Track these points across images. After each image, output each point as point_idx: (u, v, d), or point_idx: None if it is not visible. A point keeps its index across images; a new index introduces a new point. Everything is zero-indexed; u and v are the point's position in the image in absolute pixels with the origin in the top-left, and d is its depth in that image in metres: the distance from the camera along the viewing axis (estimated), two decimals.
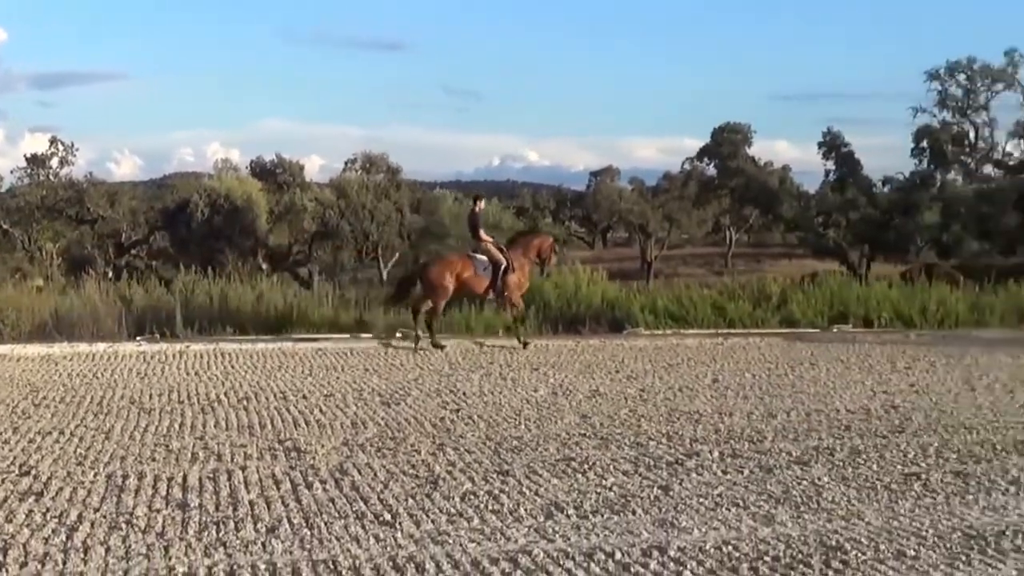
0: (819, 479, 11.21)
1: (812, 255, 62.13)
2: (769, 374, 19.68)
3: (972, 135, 54.71)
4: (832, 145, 60.06)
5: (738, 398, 16.80)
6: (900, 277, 35.67)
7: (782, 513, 9.83)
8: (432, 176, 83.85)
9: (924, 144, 56.03)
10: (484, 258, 24.18)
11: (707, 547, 8.76)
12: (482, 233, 24.72)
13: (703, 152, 65.78)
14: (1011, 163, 55.05)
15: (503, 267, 24.12)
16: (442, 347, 23.39)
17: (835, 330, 28.11)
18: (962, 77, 53.58)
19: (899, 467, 11.87)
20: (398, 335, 25.09)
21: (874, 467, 11.85)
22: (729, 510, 9.93)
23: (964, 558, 8.55)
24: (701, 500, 10.28)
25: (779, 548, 8.74)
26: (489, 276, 24.09)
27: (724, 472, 11.54)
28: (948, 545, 8.89)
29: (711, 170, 66.18)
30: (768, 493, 10.58)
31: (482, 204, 27.38)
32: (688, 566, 8.28)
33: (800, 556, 8.54)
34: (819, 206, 60.25)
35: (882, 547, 8.79)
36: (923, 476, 11.41)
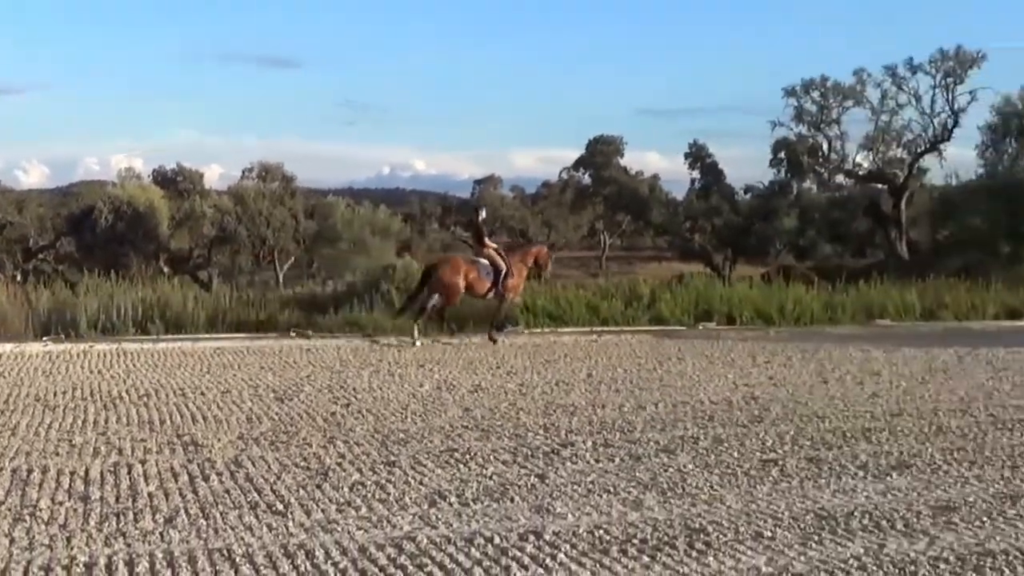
0: (684, 466, 11.27)
1: (680, 258, 62.60)
2: (639, 369, 19.77)
3: (825, 147, 55.35)
4: (698, 156, 60.66)
5: (610, 391, 16.84)
6: (760, 278, 36.06)
7: (650, 498, 9.87)
8: (326, 184, 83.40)
9: (782, 155, 56.64)
10: (487, 262, 25.08)
11: (580, 531, 8.77)
12: (486, 240, 25.82)
13: (579, 162, 66.05)
14: (860, 173, 55.78)
15: (503, 272, 25.01)
16: (453, 331, 24.94)
17: (700, 327, 28.31)
18: (816, 94, 54.21)
19: (758, 454, 11.97)
20: (292, 334, 25.01)
21: (735, 454, 11.94)
22: (601, 496, 9.95)
23: (816, 538, 8.63)
24: (575, 487, 10.29)
25: (647, 531, 8.77)
26: (491, 279, 24.92)
27: (596, 461, 11.56)
28: (802, 526, 8.97)
29: (586, 179, 66.47)
30: (637, 480, 10.62)
31: (483, 214, 28.13)
32: (562, 549, 8.28)
33: (666, 538, 8.58)
34: (686, 212, 60.72)
35: (742, 529, 8.86)
36: (780, 462, 11.51)
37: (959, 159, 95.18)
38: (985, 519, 9.26)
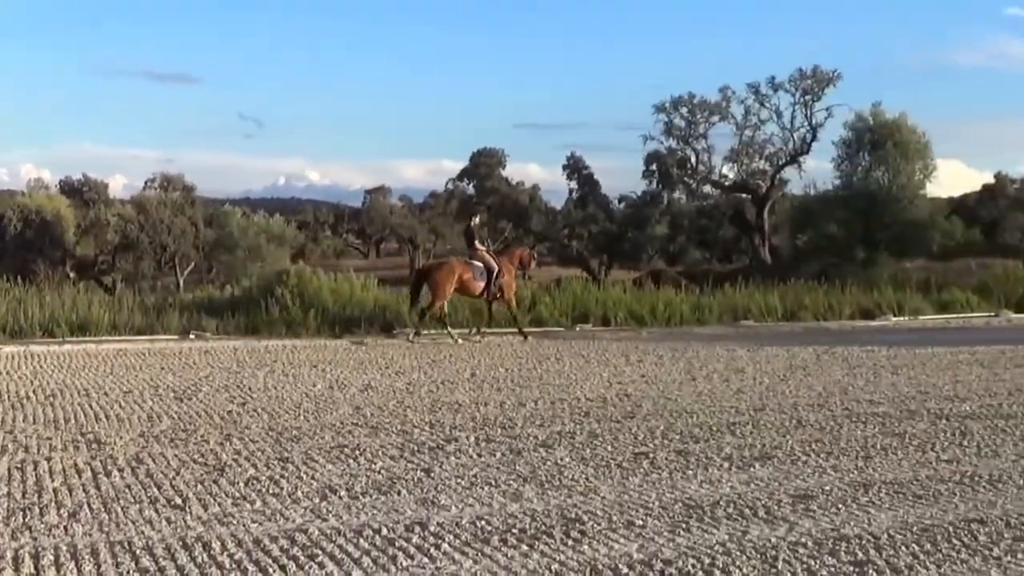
0: (561, 459, 11.29)
1: (559, 263, 62.65)
2: (520, 368, 19.80)
3: (693, 159, 55.69)
4: (575, 168, 60.80)
5: (493, 390, 16.85)
6: (633, 282, 36.22)
7: (529, 490, 9.87)
8: (224, 194, 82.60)
9: (653, 167, 56.90)
10: (480, 264, 25.92)
11: (463, 522, 8.75)
12: (477, 243, 26.86)
13: (463, 173, 65.94)
14: (726, 184, 56.24)
15: (496, 272, 25.85)
16: (457, 341, 24.98)
17: (578, 329, 28.43)
18: (684, 110, 54.54)
19: (630, 448, 12.02)
20: (191, 336, 24.80)
21: (609, 448, 11.98)
22: (483, 489, 9.94)
23: (684, 525, 8.68)
24: (458, 480, 10.28)
25: (525, 521, 8.77)
26: (484, 279, 25.78)
27: (479, 455, 11.55)
28: (671, 515, 9.00)
29: (470, 189, 66.37)
30: (517, 473, 10.62)
31: (476, 220, 29.28)
32: (446, 539, 8.26)
33: (543, 528, 8.58)
34: (564, 221, 60.82)
35: (615, 518, 8.88)
36: (651, 455, 11.57)
37: (817, 171, 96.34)
38: (840, 506, 9.36)
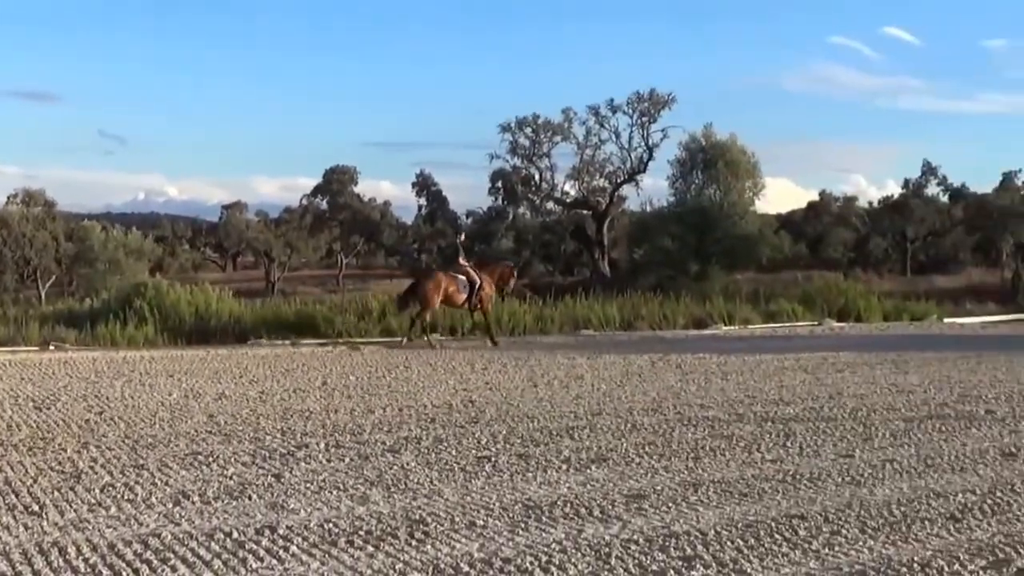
0: (407, 464, 11.25)
1: (409, 276, 62.57)
2: (370, 377, 19.69)
3: (537, 177, 56.01)
4: (424, 185, 60.95)
5: (343, 397, 16.73)
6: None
7: (376, 494, 9.83)
8: (85, 209, 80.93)
9: (499, 184, 57.25)
10: (463, 277, 27.07)
11: (311, 525, 8.69)
12: (461, 259, 27.80)
13: (317, 190, 65.71)
14: (568, 200, 56.64)
15: (477, 285, 27.09)
16: (433, 346, 26.21)
17: (425, 339, 28.30)
18: (528, 130, 54.82)
19: (474, 452, 12.02)
20: (51, 347, 24.29)
21: (453, 452, 11.97)
22: (331, 493, 9.88)
23: (523, 525, 8.71)
24: (308, 485, 10.20)
25: (372, 523, 8.73)
26: (466, 291, 26.97)
27: (328, 461, 11.47)
28: (511, 515, 9.03)
29: (324, 205, 66.10)
30: (365, 477, 10.57)
31: (462, 237, 30.81)
32: (294, 542, 8.20)
33: (389, 529, 8.55)
34: (414, 235, 60.86)
35: (457, 519, 8.88)
36: (493, 459, 11.59)
37: (653, 188, 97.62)
38: (671, 504, 9.46)
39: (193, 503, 9.45)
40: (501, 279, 28.67)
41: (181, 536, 8.35)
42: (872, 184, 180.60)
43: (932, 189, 67.09)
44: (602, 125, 54.93)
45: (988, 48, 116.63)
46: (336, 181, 63.26)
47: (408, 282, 28.85)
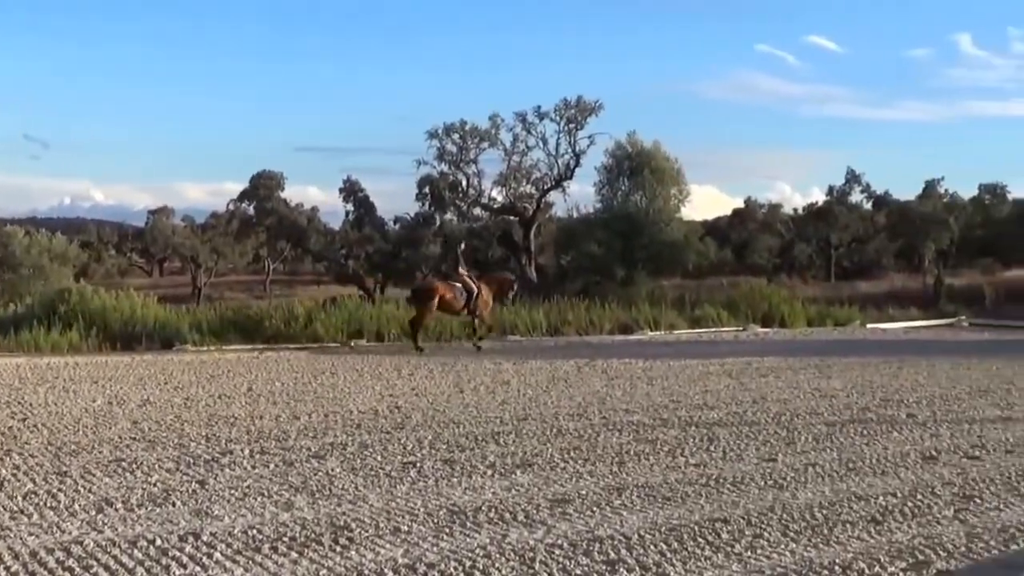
0: (332, 470, 11.23)
1: (336, 281, 62.34)
2: (296, 382, 19.60)
3: (464, 183, 55.88)
4: (351, 190, 60.55)
5: (268, 403, 16.65)
6: (407, 300, 36.14)
7: (300, 500, 9.81)
8: (9, 213, 79.77)
9: (426, 190, 57.06)
10: (460, 285, 27.84)
11: (235, 531, 8.66)
12: (460, 268, 28.62)
13: (243, 195, 65.13)
14: (495, 206, 56.61)
15: (475, 293, 27.83)
16: (421, 350, 26.70)
17: (352, 344, 28.28)
18: (456, 136, 54.70)
19: (399, 457, 12.02)
20: None
21: (378, 458, 11.96)
22: (256, 499, 9.84)
23: (448, 530, 8.72)
24: (232, 491, 10.15)
25: (296, 529, 8.72)
26: (463, 299, 27.71)
27: (253, 467, 11.42)
28: (435, 520, 9.04)
29: (250, 210, 65.62)
30: (289, 483, 10.53)
31: (463, 247, 31.47)
32: (218, 548, 8.17)
33: (313, 535, 8.54)
34: (342, 241, 60.52)
35: (382, 525, 8.88)
36: (418, 464, 11.59)
37: (580, 194, 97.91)
38: (595, 509, 9.52)
39: (116, 510, 9.39)
40: (500, 288, 29.69)
41: (104, 543, 8.30)
42: (797, 191, 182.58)
43: (856, 196, 67.68)
44: (529, 132, 54.93)
45: (911, 57, 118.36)
46: (263, 186, 62.69)
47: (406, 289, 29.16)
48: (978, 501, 10.09)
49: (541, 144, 55.01)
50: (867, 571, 7.79)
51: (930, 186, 66.11)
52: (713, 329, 35.09)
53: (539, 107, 54.60)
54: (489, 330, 29.55)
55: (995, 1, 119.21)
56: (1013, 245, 62.88)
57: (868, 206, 68.13)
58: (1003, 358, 25.44)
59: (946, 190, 65.44)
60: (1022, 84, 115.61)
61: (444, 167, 55.73)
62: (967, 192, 67.57)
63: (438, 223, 59.48)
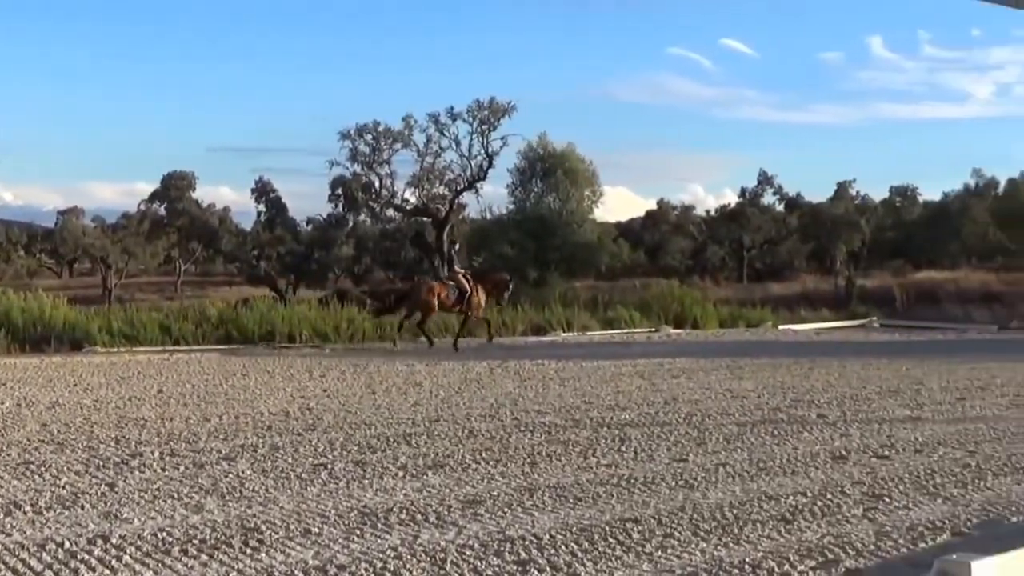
0: (243, 472, 11.18)
1: (248, 282, 61.88)
2: (207, 384, 19.48)
3: (377, 184, 55.65)
4: (263, 191, 60.19)
5: (179, 405, 16.54)
6: (319, 301, 35.99)
7: (210, 502, 9.75)
8: None
9: (339, 191, 56.82)
10: (454, 284, 29.16)
11: (145, 534, 8.59)
12: (455, 267, 30.34)
13: (154, 195, 64.54)
14: (408, 208, 56.50)
15: (468, 293, 29.01)
16: (432, 343, 28.82)
17: (264, 346, 28.15)
18: (369, 137, 54.47)
19: (310, 459, 11.99)
20: None
21: (289, 460, 11.92)
22: (165, 502, 9.77)
23: (359, 532, 8.71)
24: (142, 494, 10.08)
25: (206, 532, 8.67)
26: (456, 296, 28.98)
27: (163, 469, 11.34)
28: (346, 522, 9.03)
29: (162, 211, 65.01)
30: (199, 486, 10.47)
31: (456, 247, 33.40)
32: (127, 551, 8.10)
33: (223, 538, 8.49)
34: (253, 242, 60.14)
35: (292, 527, 8.85)
36: (329, 466, 11.57)
37: (493, 196, 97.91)
38: (507, 509, 9.55)
39: (25, 513, 9.29)
40: (496, 287, 30.55)
41: (12, 547, 8.22)
42: (709, 193, 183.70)
43: (768, 198, 68.34)
44: (442, 133, 54.85)
45: (823, 60, 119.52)
46: (174, 187, 62.15)
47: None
48: (887, 500, 10.20)
49: (454, 145, 54.98)
50: (776, 570, 7.86)
51: (842, 188, 66.98)
52: (626, 330, 35.32)
53: (452, 108, 54.55)
54: (490, 327, 30.85)
55: (906, 4, 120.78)
56: (923, 247, 63.98)
57: (780, 208, 68.81)
58: (913, 359, 25.83)
59: (858, 192, 66.42)
60: (932, 87, 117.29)
61: (357, 168, 55.49)
62: (878, 194, 68.67)
63: (351, 224, 59.32)
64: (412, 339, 30.21)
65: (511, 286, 31.26)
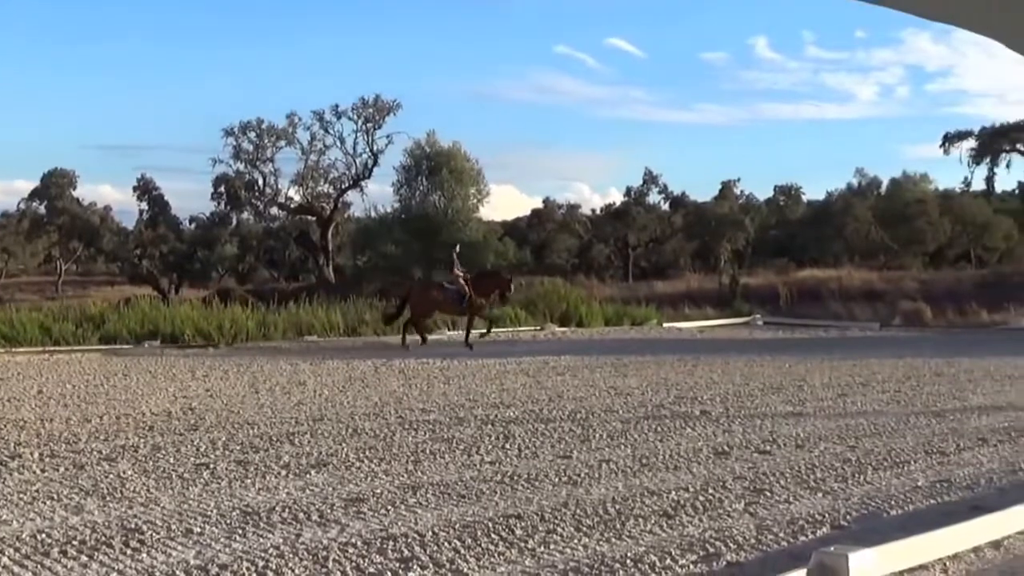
0: (124, 472, 11.09)
1: (130, 282, 61.09)
2: (88, 385, 19.24)
3: (261, 182, 55.30)
4: (145, 189, 59.43)
5: (59, 406, 16.34)
6: (202, 301, 35.66)
7: (90, 503, 9.68)
8: None
9: (222, 189, 56.32)
10: (454, 287, 29.62)
11: (23, 536, 8.51)
12: (456, 269, 30.24)
13: (34, 194, 63.50)
14: (292, 206, 56.17)
15: (466, 295, 29.25)
16: (425, 341, 29.26)
17: (146, 345, 27.83)
18: (252, 135, 54.11)
19: (192, 459, 11.92)
20: None
21: (171, 460, 11.85)
22: (45, 503, 9.68)
23: (241, 531, 8.70)
24: (21, 495, 9.97)
25: (86, 533, 8.60)
26: (456, 299, 29.40)
27: (43, 471, 11.22)
28: (228, 521, 9.01)
29: (42, 209, 63.95)
30: (80, 487, 10.38)
31: (457, 249, 32.22)
32: (6, 553, 8.04)
33: (104, 539, 8.44)
34: (135, 241, 59.40)
35: (174, 527, 8.81)
36: (212, 465, 11.51)
37: (378, 194, 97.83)
38: (390, 507, 9.58)
39: None
40: (498, 287, 30.51)
41: None
42: (595, 192, 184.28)
43: (653, 197, 68.74)
44: (327, 131, 54.67)
45: (708, 60, 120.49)
46: (55, 185, 61.16)
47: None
48: (768, 494, 10.37)
49: (339, 143, 54.84)
50: (658, 564, 7.96)
51: (726, 187, 67.70)
52: (511, 329, 35.41)
53: (337, 106, 54.40)
54: (490, 324, 30.96)
55: (791, 5, 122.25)
56: (807, 246, 64.88)
57: (665, 207, 69.32)
58: (796, 356, 26.24)
59: (742, 191, 67.12)
60: (815, 87, 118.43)
61: (240, 166, 55.09)
62: (763, 193, 69.33)
63: (234, 223, 58.85)
64: (296, 337, 30.07)
65: (512, 287, 31.38)
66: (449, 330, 33.66)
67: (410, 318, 29.64)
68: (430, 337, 29.92)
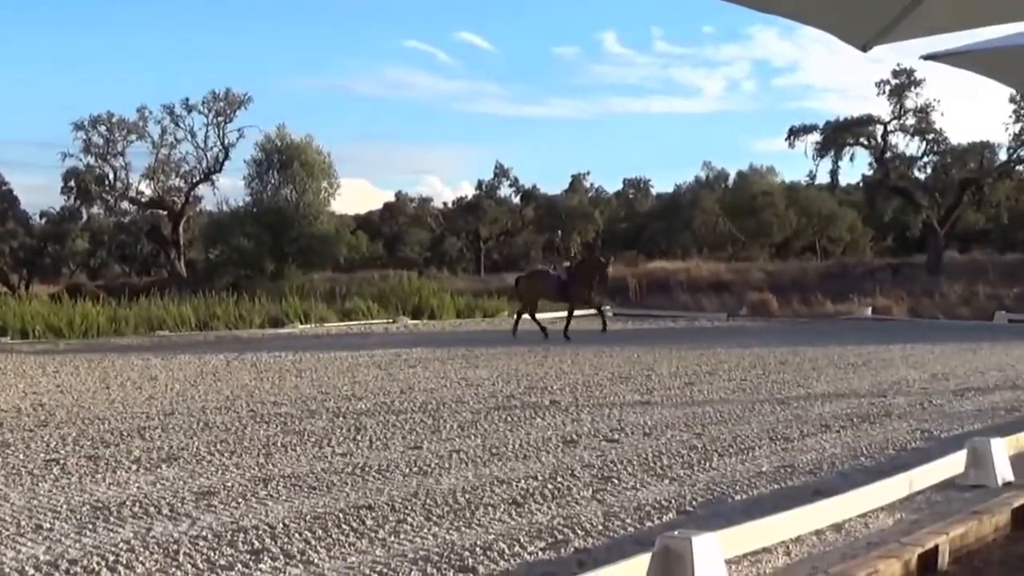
0: None
1: None
2: None
3: (112, 176, 54.58)
4: None
5: None
6: (51, 296, 35.08)
7: None
8: None
9: (72, 184, 55.41)
10: (555, 274, 31.21)
11: None
12: (568, 260, 33.36)
13: None
14: (143, 200, 55.48)
15: (566, 283, 30.17)
16: (546, 332, 29.55)
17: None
18: (103, 128, 53.38)
19: (42, 455, 11.72)
20: None
21: (21, 456, 11.64)
22: None
23: (91, 526, 8.60)
24: None
25: None
26: (557, 287, 30.38)
27: None
28: (79, 517, 8.89)
29: None
30: None
31: (560, 236, 34.27)
32: None
33: None
34: None
35: (23, 523, 8.68)
36: (61, 461, 11.34)
37: (230, 188, 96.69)
38: (241, 500, 9.54)
39: None
40: (597, 273, 30.28)
41: None
42: (447, 185, 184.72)
43: (504, 190, 69.23)
44: (177, 124, 54.18)
45: (559, 55, 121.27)
46: None
47: None
48: (616, 482, 10.47)
49: (190, 137, 54.39)
50: (507, 552, 8.02)
51: (576, 180, 68.45)
52: (364, 322, 35.41)
53: (187, 99, 53.87)
54: (601, 312, 31.87)
55: (639, 1, 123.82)
56: (656, 238, 65.82)
57: (516, 200, 69.81)
58: (644, 346, 26.60)
59: (592, 184, 67.97)
60: (663, 82, 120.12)
61: (91, 160, 54.28)
62: (612, 186, 70.31)
63: (85, 217, 57.92)
64: (148, 332, 29.71)
65: (610, 271, 31.76)
66: (301, 323, 33.57)
67: (521, 308, 31.24)
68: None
